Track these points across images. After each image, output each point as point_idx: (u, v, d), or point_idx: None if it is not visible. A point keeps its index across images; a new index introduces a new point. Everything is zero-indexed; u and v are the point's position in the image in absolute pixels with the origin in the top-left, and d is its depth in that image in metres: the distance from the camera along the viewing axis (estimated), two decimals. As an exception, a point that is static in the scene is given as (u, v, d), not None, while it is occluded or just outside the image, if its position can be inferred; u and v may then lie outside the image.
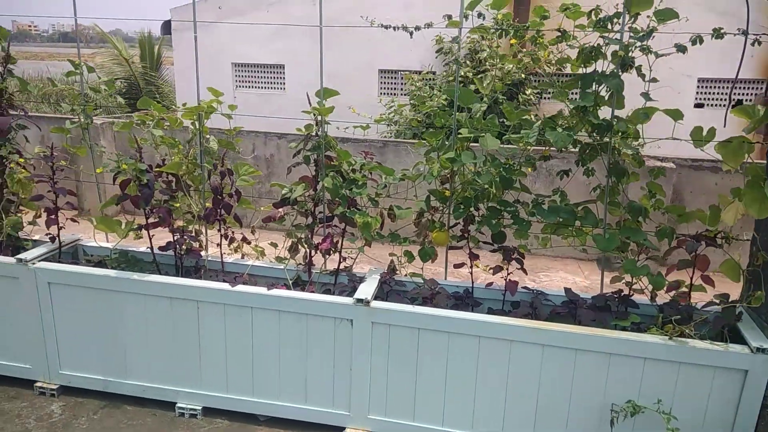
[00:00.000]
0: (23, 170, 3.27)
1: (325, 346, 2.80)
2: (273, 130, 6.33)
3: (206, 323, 2.89)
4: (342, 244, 3.09)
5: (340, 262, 3.11)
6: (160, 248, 3.09)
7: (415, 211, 2.95)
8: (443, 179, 2.91)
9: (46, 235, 3.22)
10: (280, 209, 3.09)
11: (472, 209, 2.79)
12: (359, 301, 2.70)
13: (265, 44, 9.56)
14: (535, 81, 8.35)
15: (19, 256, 2.99)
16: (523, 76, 7.70)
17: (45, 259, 3.09)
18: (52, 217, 3.13)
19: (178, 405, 3.00)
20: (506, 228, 2.84)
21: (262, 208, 3.25)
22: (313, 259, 3.14)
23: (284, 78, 9.98)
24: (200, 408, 2.99)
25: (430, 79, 8.16)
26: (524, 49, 8.07)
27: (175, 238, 3.08)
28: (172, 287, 2.87)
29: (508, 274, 2.87)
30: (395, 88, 9.47)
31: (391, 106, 8.42)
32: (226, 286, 2.85)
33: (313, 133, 3.02)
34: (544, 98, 8.34)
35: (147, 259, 3.23)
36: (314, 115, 3.04)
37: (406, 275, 3.09)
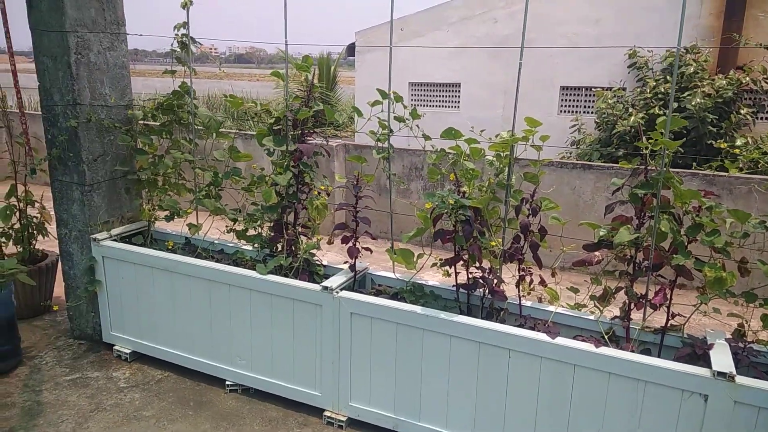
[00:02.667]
0: (323, 197, 3.31)
1: (664, 422, 2.38)
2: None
3: (516, 374, 2.62)
4: (671, 298, 2.66)
5: (668, 320, 2.67)
6: (463, 286, 2.91)
7: (783, 267, 2.42)
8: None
9: (345, 263, 3.22)
10: (596, 253, 2.75)
11: None
12: (720, 374, 2.24)
13: (443, 63, 9.53)
14: (748, 99, 7.20)
15: (324, 284, 3.00)
16: (732, 93, 6.63)
17: (344, 288, 3.08)
18: (353, 245, 3.11)
19: (476, 459, 2.77)
20: None
21: (564, 249, 2.93)
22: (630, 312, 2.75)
23: (459, 96, 9.86)
24: (501, 466, 2.73)
25: (620, 96, 7.38)
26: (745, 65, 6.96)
27: (478, 276, 2.88)
28: (482, 332, 2.65)
29: None
30: (577, 106, 8.88)
31: (574, 125, 7.83)
32: (544, 337, 2.56)
33: (643, 167, 2.66)
34: (760, 118, 7.15)
35: (442, 294, 3.08)
36: (645, 148, 2.67)
37: (753, 342, 2.56)
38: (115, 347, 3.78)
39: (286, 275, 3.27)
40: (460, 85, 9.89)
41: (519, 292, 2.92)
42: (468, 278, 2.96)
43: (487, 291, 2.87)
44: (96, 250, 3.66)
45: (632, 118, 6.72)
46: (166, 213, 3.79)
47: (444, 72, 9.71)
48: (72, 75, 3.48)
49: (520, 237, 2.91)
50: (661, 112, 6.59)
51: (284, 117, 3.32)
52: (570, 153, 7.92)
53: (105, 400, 3.33)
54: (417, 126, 3.12)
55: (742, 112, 6.70)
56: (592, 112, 8.35)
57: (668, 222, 2.59)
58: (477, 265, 2.86)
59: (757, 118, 7.01)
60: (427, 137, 3.10)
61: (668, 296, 2.63)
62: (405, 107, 3.10)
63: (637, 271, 2.71)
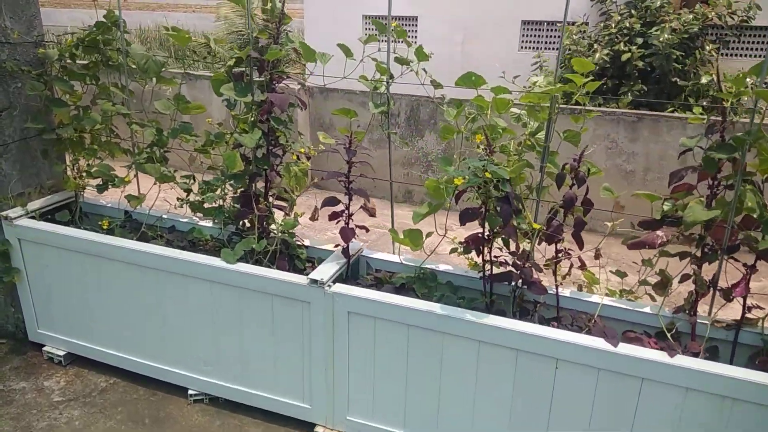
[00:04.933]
0: (303, 162, 2.61)
1: (753, 445, 1.92)
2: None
3: (565, 389, 2.10)
4: (748, 289, 2.16)
5: (744, 314, 2.19)
6: (494, 277, 2.32)
7: None
8: None
9: (336, 247, 2.57)
10: (659, 232, 2.20)
11: None
12: (837, 393, 1.77)
13: (399, -8, 8.76)
14: (712, 35, 6.91)
15: (313, 275, 2.35)
16: (698, 28, 6.34)
17: (336, 279, 2.44)
18: (346, 226, 2.46)
19: (509, 485, 2.28)
20: None
21: (612, 223, 2.37)
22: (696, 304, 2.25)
23: (416, 30, 9.21)
24: (541, 494, 2.25)
25: (583, 31, 6.97)
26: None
27: (508, 262, 2.29)
28: (523, 337, 2.09)
29: None
30: (540, 42, 8.46)
31: (536, 62, 7.43)
32: (603, 344, 2.02)
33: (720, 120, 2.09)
34: (724, 54, 6.90)
35: (459, 282, 2.50)
36: (724, 100, 2.09)
37: None
38: (45, 348, 3.06)
39: (259, 261, 2.60)
40: (417, 19, 9.13)
41: (556, 280, 2.36)
42: (490, 261, 2.36)
43: (520, 282, 2.30)
44: (9, 232, 2.86)
45: (597, 54, 6.37)
46: (98, 181, 3.00)
47: (401, 4, 8.85)
48: (-48, -1, 2.57)
49: (558, 212, 2.32)
50: (626, 48, 6.29)
51: (248, 58, 2.55)
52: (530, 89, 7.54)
53: (35, 421, 2.65)
54: (424, 70, 2.43)
55: (707, 48, 6.34)
56: (554, 48, 7.95)
57: (753, 194, 2.05)
58: (517, 248, 2.27)
59: (721, 55, 6.67)
60: (437, 84, 2.42)
61: (748, 286, 2.13)
62: (409, 45, 2.39)
63: (707, 254, 2.18)
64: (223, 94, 2.54)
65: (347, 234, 2.44)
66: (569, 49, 6.89)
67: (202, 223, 2.96)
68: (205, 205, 2.88)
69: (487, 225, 2.19)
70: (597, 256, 2.40)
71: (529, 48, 8.49)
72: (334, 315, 2.34)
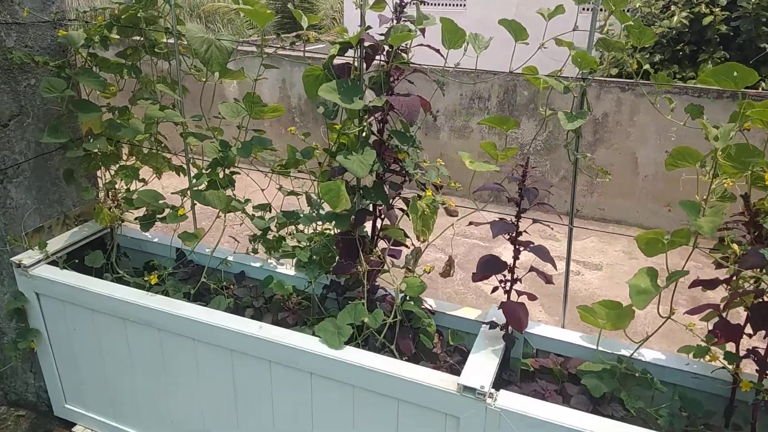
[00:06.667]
0: (448, 201, 1.78)
1: None
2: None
3: None
4: None
5: None
6: None
7: None
8: None
9: (489, 328, 1.74)
10: None
11: None
12: None
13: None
14: None
15: (465, 381, 1.53)
16: None
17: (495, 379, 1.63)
18: (509, 299, 1.63)
19: None
20: None
21: None
22: None
23: None
24: None
25: None
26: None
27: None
28: None
29: None
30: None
31: (600, 25, 6.53)
32: None
33: None
34: None
35: (674, 378, 1.66)
36: None
37: None
38: (74, 429, 2.33)
39: (369, 339, 1.81)
40: (464, -21, 8.34)
41: None
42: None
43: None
44: (24, 284, 2.12)
45: (675, 18, 5.62)
46: (143, 211, 2.23)
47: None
48: (-67, -38, 1.78)
49: None
50: (708, 11, 5.56)
51: (359, 43, 1.72)
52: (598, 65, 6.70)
53: None
54: (634, 54, 1.56)
55: None
56: (625, 10, 7.10)
57: None
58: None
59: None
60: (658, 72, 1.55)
61: None
62: (624, 20, 1.52)
63: None
64: (320, 97, 1.71)
65: (516, 313, 1.60)
66: (640, 12, 6.09)
67: (281, 269, 2.17)
68: (289, 243, 2.10)
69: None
70: None
71: (591, 9, 7.61)
72: (498, 441, 1.53)
